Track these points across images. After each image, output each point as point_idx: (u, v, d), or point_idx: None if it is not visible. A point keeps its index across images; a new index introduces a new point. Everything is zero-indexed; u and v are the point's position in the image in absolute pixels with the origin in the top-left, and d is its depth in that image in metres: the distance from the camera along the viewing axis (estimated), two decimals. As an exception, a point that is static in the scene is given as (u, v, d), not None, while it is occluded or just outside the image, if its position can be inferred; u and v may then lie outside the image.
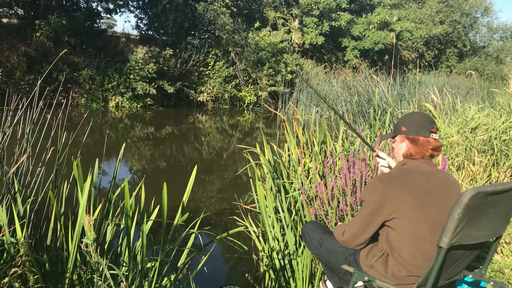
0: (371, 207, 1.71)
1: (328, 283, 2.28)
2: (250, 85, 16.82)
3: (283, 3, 20.02)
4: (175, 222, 2.22)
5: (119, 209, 2.39)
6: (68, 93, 12.91)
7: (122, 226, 2.36)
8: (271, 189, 3.27)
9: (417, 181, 1.69)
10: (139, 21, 17.45)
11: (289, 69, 16.89)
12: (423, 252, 1.63)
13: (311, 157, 3.69)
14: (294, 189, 3.25)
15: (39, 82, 2.74)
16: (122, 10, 17.00)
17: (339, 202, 2.85)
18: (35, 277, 1.79)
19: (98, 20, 16.63)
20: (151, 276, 2.17)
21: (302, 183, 3.13)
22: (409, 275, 1.66)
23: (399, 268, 1.67)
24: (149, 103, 14.55)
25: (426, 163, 1.78)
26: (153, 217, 2.43)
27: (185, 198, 2.33)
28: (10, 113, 2.44)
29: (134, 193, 2.35)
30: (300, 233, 2.43)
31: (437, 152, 1.80)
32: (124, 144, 2.74)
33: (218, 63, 16.25)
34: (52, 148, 2.40)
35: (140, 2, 17.42)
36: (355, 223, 1.78)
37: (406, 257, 1.65)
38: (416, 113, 1.93)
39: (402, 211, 1.63)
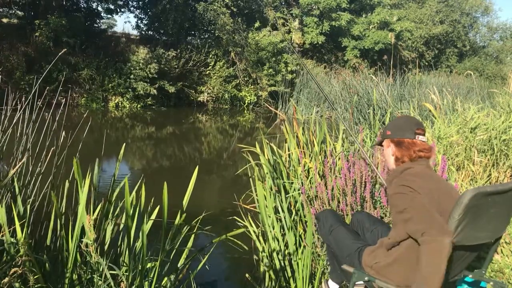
0: (416, 200, 1.56)
1: (330, 282, 2.28)
2: (250, 85, 16.81)
3: (283, 3, 20.01)
4: (175, 222, 2.22)
5: (118, 208, 2.39)
6: (68, 93, 12.90)
7: (122, 226, 2.36)
8: (271, 189, 3.27)
9: (427, 184, 1.62)
10: (139, 21, 17.47)
11: (289, 69, 16.88)
12: None
13: (311, 157, 3.69)
14: (294, 189, 3.25)
15: (38, 81, 2.73)
16: (122, 10, 17.00)
17: (339, 202, 2.85)
18: (35, 277, 1.79)
19: (98, 20, 16.63)
20: (151, 276, 2.17)
21: (302, 183, 3.13)
22: (406, 284, 1.65)
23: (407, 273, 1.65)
24: (149, 103, 14.56)
25: (427, 167, 1.73)
26: (153, 217, 2.43)
27: (186, 199, 2.33)
28: (9, 112, 2.44)
29: (134, 192, 2.35)
30: (315, 217, 2.37)
31: (426, 154, 1.75)
32: (124, 145, 2.74)
33: (218, 63, 16.25)
34: (52, 148, 2.40)
35: (140, 2, 17.42)
36: (418, 221, 1.53)
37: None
38: (401, 116, 1.93)
39: None
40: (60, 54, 3.21)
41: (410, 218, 1.56)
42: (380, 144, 1.93)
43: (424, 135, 1.78)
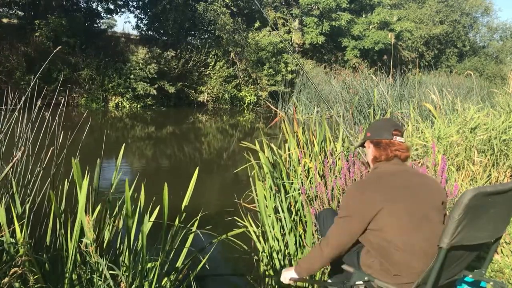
0: (353, 214, 1.72)
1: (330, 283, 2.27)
2: (250, 85, 16.81)
3: (283, 3, 20.01)
4: (175, 222, 2.22)
5: (117, 208, 2.39)
6: (68, 93, 12.90)
7: (121, 226, 2.36)
8: (271, 189, 3.27)
9: (391, 180, 1.75)
10: (139, 21, 17.46)
11: (289, 69, 16.87)
12: (413, 247, 1.62)
13: (311, 157, 3.69)
14: (294, 189, 3.25)
15: (34, 80, 2.73)
16: (122, 10, 16.99)
17: (339, 202, 2.85)
18: (35, 277, 1.79)
19: (98, 20, 16.63)
20: (151, 276, 2.17)
21: (302, 183, 3.12)
22: (405, 276, 1.65)
23: (394, 268, 1.67)
24: (149, 103, 14.56)
25: (398, 164, 1.84)
26: (153, 217, 2.42)
27: (186, 199, 2.33)
28: (9, 112, 2.44)
29: (132, 191, 2.35)
30: (315, 216, 2.52)
31: (403, 153, 1.86)
32: (124, 145, 2.74)
33: (218, 63, 16.25)
34: (52, 148, 2.40)
35: (140, 2, 17.41)
36: (339, 233, 1.76)
37: (397, 258, 1.64)
38: (381, 119, 2.06)
39: (383, 211, 1.66)
40: (55, 51, 3.19)
41: (336, 220, 1.79)
42: (363, 145, 2.04)
43: (401, 136, 1.89)
